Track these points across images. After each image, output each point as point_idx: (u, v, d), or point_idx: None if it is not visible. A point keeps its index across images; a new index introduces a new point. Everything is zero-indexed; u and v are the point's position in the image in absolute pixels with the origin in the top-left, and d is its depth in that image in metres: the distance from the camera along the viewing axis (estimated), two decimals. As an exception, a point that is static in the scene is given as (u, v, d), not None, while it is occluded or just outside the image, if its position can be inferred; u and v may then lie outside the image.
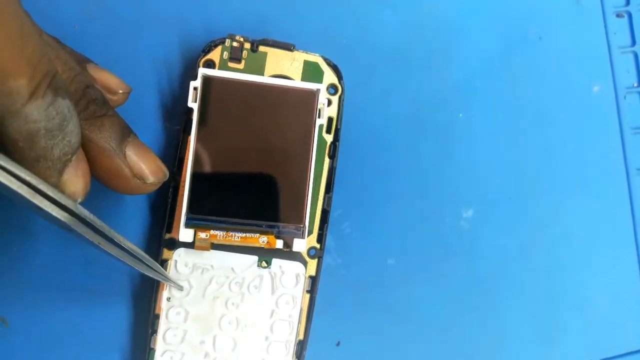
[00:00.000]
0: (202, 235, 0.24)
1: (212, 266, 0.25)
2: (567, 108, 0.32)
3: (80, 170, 0.19)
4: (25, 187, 0.17)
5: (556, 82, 0.31)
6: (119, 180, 0.21)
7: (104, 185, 0.21)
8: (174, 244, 0.25)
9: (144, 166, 0.21)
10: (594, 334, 0.31)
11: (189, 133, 0.24)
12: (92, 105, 0.20)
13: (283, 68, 0.26)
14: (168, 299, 0.25)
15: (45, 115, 0.17)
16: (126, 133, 0.21)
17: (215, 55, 0.25)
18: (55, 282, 0.26)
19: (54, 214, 0.18)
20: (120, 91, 0.23)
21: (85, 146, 0.20)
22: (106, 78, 0.22)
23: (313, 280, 0.26)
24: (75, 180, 0.19)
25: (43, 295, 0.26)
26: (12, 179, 0.16)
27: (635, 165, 0.32)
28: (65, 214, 0.18)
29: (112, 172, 0.20)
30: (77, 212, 0.18)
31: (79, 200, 0.19)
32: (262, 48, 0.26)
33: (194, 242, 0.24)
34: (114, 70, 0.23)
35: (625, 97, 0.33)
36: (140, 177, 0.21)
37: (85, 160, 0.19)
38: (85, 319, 0.26)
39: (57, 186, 0.18)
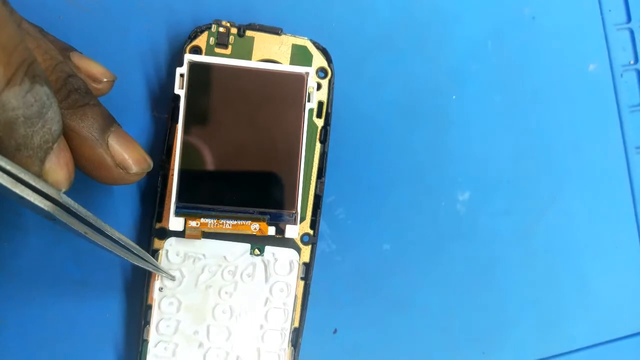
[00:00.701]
0: (192, 223, 0.24)
1: (204, 255, 0.25)
2: (563, 88, 0.31)
3: (62, 159, 0.18)
4: (5, 176, 0.16)
5: (551, 62, 0.31)
6: (102, 170, 0.20)
7: (87, 176, 0.21)
8: (165, 234, 0.25)
9: (127, 156, 0.21)
10: (595, 317, 0.31)
11: (176, 121, 0.24)
12: (74, 94, 0.20)
13: (271, 52, 0.26)
14: (160, 289, 0.25)
15: (23, 103, 0.16)
16: (109, 122, 0.20)
17: (201, 41, 0.25)
18: (47, 276, 0.25)
19: (37, 203, 0.17)
20: (105, 79, 0.22)
21: (68, 136, 0.19)
22: (90, 66, 0.22)
23: (307, 267, 0.26)
24: (58, 169, 0.18)
25: (35, 289, 0.25)
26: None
27: (634, 144, 0.32)
28: (49, 203, 0.18)
29: (94, 162, 0.20)
30: (61, 201, 0.18)
31: (63, 189, 0.19)
32: (249, 33, 0.25)
33: (184, 231, 0.24)
34: (100, 59, 0.23)
35: (622, 75, 0.32)
36: (123, 167, 0.21)
37: (67, 150, 0.19)
38: (78, 312, 0.26)
39: (40, 175, 0.18)
